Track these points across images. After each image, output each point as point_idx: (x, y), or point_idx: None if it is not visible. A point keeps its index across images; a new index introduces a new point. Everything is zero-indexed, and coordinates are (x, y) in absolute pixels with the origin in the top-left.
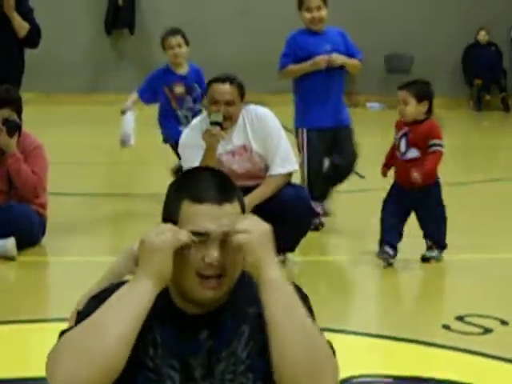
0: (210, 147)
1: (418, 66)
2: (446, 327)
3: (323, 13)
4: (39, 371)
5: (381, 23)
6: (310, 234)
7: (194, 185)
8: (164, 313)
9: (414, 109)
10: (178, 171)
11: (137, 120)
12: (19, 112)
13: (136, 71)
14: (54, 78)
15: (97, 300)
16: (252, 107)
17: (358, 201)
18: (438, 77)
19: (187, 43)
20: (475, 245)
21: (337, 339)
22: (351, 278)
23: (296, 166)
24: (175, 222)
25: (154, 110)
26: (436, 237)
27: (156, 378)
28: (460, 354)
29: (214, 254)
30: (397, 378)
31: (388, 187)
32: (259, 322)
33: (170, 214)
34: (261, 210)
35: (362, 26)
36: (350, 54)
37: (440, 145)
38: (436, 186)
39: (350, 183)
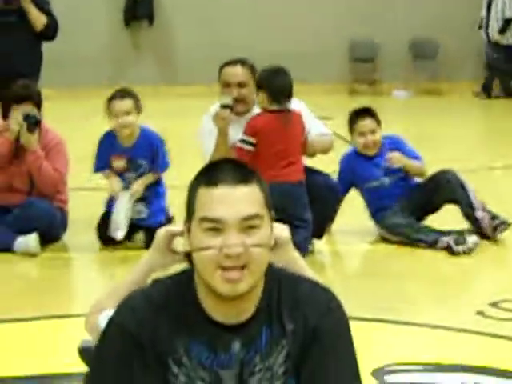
0: (221, 131)
1: (444, 50)
2: (480, 313)
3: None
4: (62, 367)
5: (405, 8)
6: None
7: (209, 171)
8: (193, 321)
9: None
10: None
11: None
12: (39, 107)
13: (156, 62)
14: (74, 71)
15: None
16: None
17: None
18: (465, 61)
19: (138, 109)
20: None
21: (369, 328)
22: (380, 265)
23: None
24: (192, 214)
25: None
26: None
27: None
28: (495, 340)
29: (230, 241)
30: (429, 365)
31: None
32: (295, 340)
33: (189, 206)
34: None
35: (387, 10)
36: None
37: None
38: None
39: None
